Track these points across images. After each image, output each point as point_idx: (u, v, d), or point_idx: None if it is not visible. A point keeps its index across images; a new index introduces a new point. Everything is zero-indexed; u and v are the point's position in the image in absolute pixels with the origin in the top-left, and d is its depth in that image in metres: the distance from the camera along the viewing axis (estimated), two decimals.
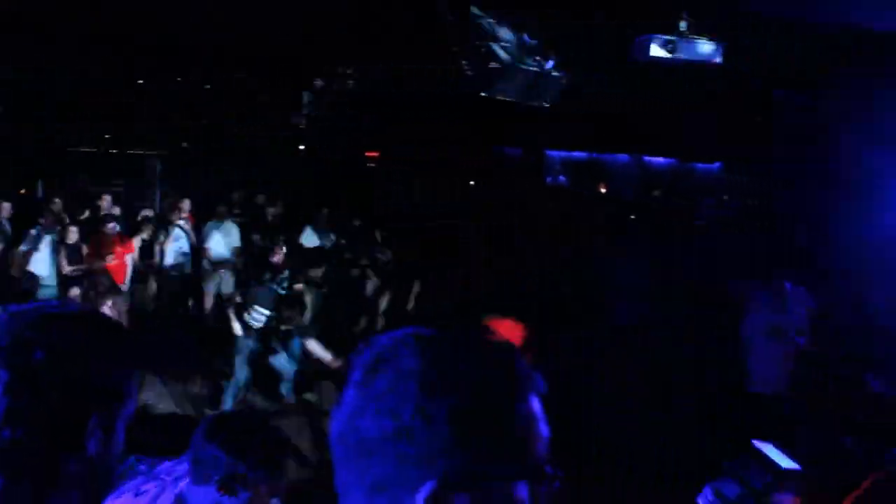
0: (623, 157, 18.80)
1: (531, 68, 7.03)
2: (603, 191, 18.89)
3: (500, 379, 0.95)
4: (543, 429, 0.96)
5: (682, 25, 6.67)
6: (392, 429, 0.90)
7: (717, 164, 17.23)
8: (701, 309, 10.20)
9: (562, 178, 19.04)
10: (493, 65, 6.95)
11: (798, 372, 8.33)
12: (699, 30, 6.78)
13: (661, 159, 18.41)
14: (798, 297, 8.40)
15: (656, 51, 6.45)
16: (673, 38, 6.48)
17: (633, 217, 16.59)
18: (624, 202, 17.57)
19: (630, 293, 10.46)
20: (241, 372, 8.01)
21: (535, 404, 0.96)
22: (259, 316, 8.06)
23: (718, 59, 6.77)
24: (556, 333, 8.10)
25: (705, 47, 6.66)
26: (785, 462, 3.26)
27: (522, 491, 0.92)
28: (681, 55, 6.51)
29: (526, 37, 6.83)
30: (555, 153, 19.00)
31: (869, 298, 10.25)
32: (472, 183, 19.00)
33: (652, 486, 6.05)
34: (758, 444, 3.37)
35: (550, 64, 7.02)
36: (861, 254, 11.58)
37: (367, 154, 19.40)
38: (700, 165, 17.71)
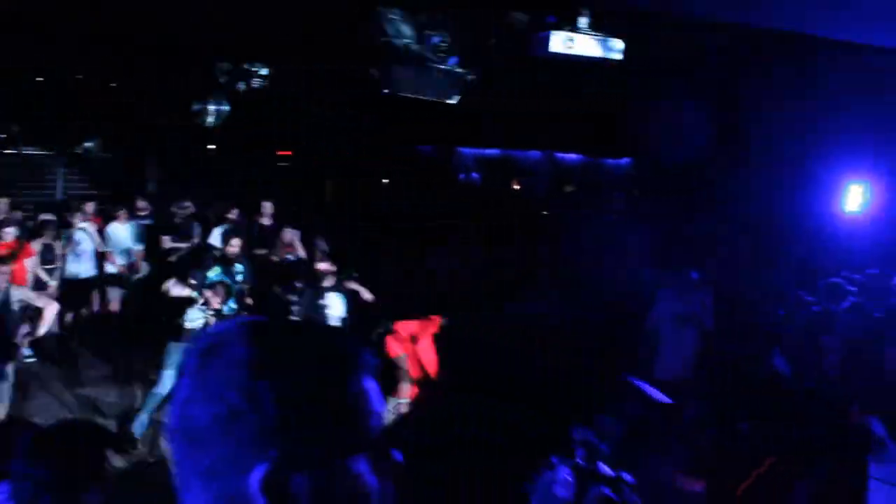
0: (535, 153, 19.00)
1: (435, 65, 7.03)
2: (516, 187, 19.08)
3: (327, 360, 0.98)
4: (377, 405, 0.98)
5: (583, 21, 6.77)
6: (222, 414, 0.91)
7: (625, 160, 17.58)
8: (613, 300, 10.41)
9: (475, 174, 19.15)
10: (396, 62, 6.94)
11: (704, 358, 8.58)
12: (599, 26, 6.88)
13: (572, 155, 18.67)
14: (703, 286, 8.67)
15: (556, 46, 6.52)
16: (572, 33, 6.57)
17: (545, 213, 16.81)
18: (537, 198, 17.78)
19: (544, 287, 10.62)
20: (167, 384, 7.69)
21: (368, 383, 0.98)
22: (196, 315, 7.83)
23: (618, 56, 6.88)
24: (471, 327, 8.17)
25: (605, 43, 6.77)
26: (657, 395, 3.44)
27: (362, 466, 0.94)
28: (580, 51, 6.61)
29: (429, 33, 6.82)
30: (467, 150, 19.09)
31: (772, 285, 10.61)
32: (385, 181, 18.94)
33: None
34: (633, 380, 3.54)
35: (454, 60, 7.03)
36: (766, 243, 12.03)
37: (279, 153, 19.13)
38: (609, 161, 18.04)
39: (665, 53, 8.84)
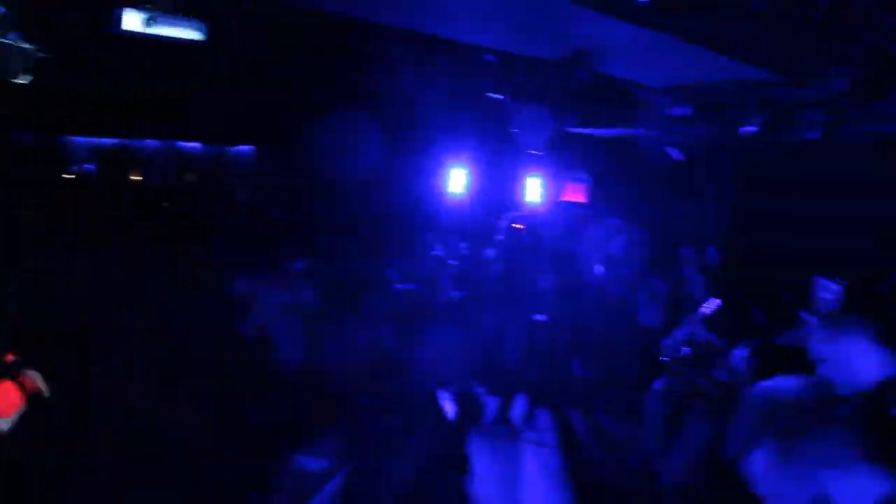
0: (155, 142, 18.05)
1: None
2: (135, 178, 17.95)
3: None
4: None
5: (163, 1, 6.39)
6: None
7: (249, 147, 17.34)
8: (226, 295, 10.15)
9: (88, 165, 17.72)
10: None
11: (316, 345, 8.64)
12: (183, 6, 6.55)
13: (195, 144, 17.99)
14: (310, 273, 8.73)
15: (131, 24, 6.09)
16: (148, 12, 6.17)
17: (166, 204, 16.07)
18: (157, 189, 16.97)
19: (153, 285, 10.06)
20: None
21: None
22: None
23: (202, 37, 6.60)
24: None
25: (186, 24, 6.45)
26: None
27: None
28: (159, 31, 6.24)
29: None
30: (80, 139, 17.60)
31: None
32: None
33: None
34: None
35: (15, 35, 6.30)
36: (382, 224, 12.59)
37: None
38: (232, 149, 17.67)
39: (263, 40, 8.73)
